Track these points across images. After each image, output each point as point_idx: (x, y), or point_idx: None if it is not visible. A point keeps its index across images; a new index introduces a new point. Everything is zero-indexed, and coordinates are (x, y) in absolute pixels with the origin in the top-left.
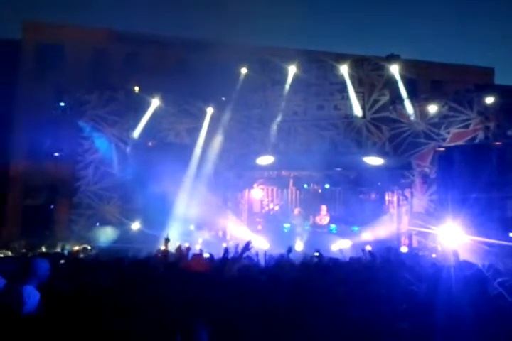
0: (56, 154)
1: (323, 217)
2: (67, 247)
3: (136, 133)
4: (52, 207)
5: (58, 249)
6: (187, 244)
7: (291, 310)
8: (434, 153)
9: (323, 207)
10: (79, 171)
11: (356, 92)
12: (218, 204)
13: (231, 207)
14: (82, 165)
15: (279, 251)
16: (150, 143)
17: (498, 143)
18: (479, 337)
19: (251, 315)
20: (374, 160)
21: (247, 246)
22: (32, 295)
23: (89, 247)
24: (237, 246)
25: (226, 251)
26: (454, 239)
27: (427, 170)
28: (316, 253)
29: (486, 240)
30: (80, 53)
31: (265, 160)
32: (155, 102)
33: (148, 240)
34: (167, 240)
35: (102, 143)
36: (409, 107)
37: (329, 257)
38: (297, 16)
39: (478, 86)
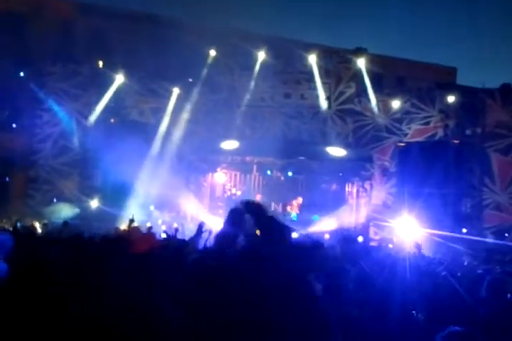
0: (14, 125)
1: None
2: (23, 222)
3: (99, 108)
4: (7, 180)
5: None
6: (149, 224)
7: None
8: (394, 147)
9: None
10: (37, 144)
11: (323, 83)
12: (180, 186)
13: (193, 189)
14: (40, 137)
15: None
16: (112, 120)
17: (456, 141)
18: (429, 322)
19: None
20: (337, 151)
21: (200, 229)
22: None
23: (45, 222)
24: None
25: (176, 230)
26: (409, 231)
27: (386, 163)
28: None
29: (440, 233)
30: (44, 24)
31: (230, 144)
32: (119, 78)
33: (106, 218)
34: (131, 221)
35: (62, 117)
36: (373, 101)
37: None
38: (269, 2)
39: (441, 84)
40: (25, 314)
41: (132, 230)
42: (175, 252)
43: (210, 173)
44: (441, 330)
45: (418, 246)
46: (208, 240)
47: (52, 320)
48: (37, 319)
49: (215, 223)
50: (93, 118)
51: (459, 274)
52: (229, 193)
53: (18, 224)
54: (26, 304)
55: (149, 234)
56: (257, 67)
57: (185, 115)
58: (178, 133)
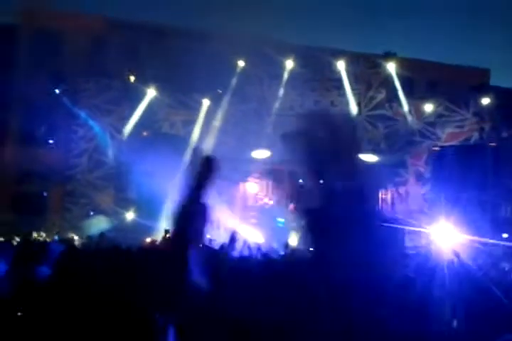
0: (51, 141)
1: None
2: (61, 235)
3: (132, 122)
4: (45, 194)
5: (50, 237)
6: None
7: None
8: (428, 152)
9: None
10: (73, 159)
11: (352, 89)
12: (212, 196)
13: (225, 199)
14: (76, 152)
15: (273, 245)
16: (145, 133)
17: (492, 144)
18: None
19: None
20: (369, 158)
21: (233, 237)
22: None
23: (83, 235)
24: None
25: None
26: (447, 237)
27: (421, 168)
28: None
29: (480, 239)
30: (77, 41)
31: (261, 153)
32: (151, 92)
33: (141, 230)
34: (167, 231)
35: (97, 132)
36: (404, 105)
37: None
38: (295, 10)
39: (475, 87)
40: (65, 311)
41: (167, 240)
42: (209, 260)
43: (242, 183)
44: (484, 337)
45: (457, 254)
46: (243, 249)
47: (87, 318)
48: (74, 316)
49: (248, 233)
50: (126, 132)
51: (498, 280)
52: (261, 202)
53: (57, 237)
54: (64, 304)
55: None
56: (286, 75)
57: (215, 125)
58: (208, 144)
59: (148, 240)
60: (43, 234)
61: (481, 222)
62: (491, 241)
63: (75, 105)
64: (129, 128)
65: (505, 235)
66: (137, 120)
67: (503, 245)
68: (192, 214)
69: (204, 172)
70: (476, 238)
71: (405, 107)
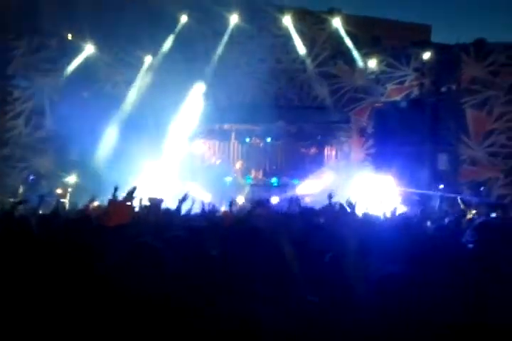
0: None
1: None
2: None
3: (70, 82)
4: None
5: None
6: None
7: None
8: (371, 108)
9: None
10: (9, 121)
11: (298, 46)
12: (159, 157)
13: (171, 161)
14: (12, 114)
15: (221, 204)
16: (85, 94)
17: (431, 99)
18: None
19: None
20: (315, 115)
21: (184, 197)
22: None
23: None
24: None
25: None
26: (387, 190)
27: (364, 124)
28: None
29: (416, 191)
30: None
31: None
32: (89, 49)
33: (85, 194)
34: (116, 189)
35: (33, 92)
36: (349, 62)
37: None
38: None
39: (416, 42)
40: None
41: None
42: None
43: (188, 143)
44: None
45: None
46: (191, 208)
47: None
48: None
49: (196, 192)
50: (65, 92)
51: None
52: (208, 162)
53: None
54: None
55: (125, 204)
56: (230, 32)
57: (158, 85)
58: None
59: (95, 204)
60: None
61: (419, 174)
62: (427, 192)
63: (7, 65)
64: (67, 88)
65: (441, 186)
66: (76, 80)
67: (439, 195)
68: None
69: None
70: (413, 190)
71: (349, 64)
